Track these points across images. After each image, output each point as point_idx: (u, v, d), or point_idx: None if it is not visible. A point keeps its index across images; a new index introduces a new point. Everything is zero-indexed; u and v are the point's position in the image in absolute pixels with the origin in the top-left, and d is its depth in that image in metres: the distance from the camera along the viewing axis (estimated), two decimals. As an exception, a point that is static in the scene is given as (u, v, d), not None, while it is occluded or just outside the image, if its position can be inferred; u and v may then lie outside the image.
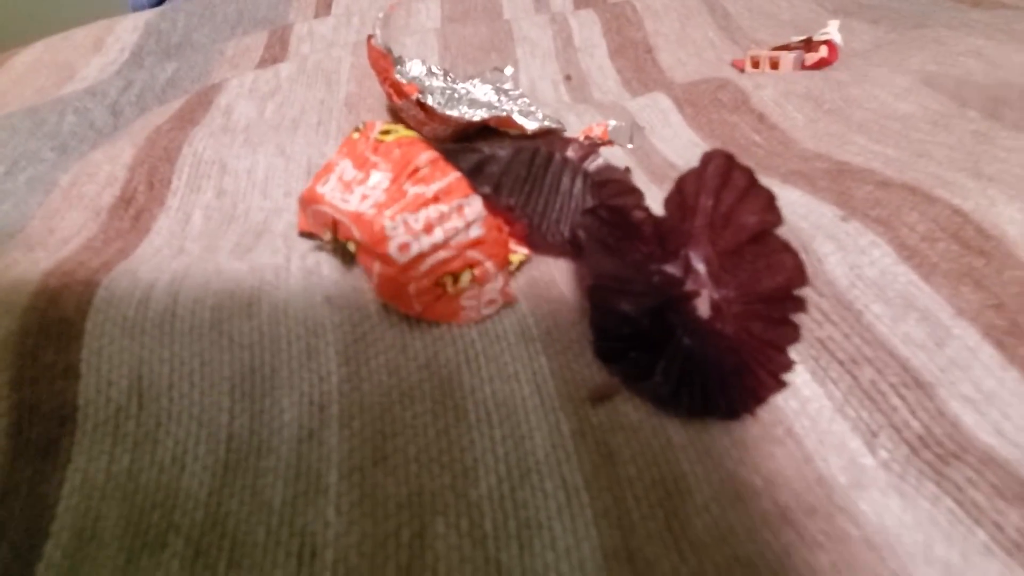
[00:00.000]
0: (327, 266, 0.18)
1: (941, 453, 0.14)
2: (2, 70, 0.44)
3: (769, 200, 0.16)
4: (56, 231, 0.21)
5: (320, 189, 0.16)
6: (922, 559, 0.12)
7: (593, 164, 0.18)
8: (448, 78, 0.32)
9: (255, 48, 0.40)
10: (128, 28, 0.47)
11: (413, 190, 0.15)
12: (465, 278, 0.16)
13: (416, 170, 0.15)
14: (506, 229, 0.17)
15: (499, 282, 0.16)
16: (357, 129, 0.16)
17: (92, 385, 0.16)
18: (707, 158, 0.17)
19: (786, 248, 0.15)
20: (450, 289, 0.16)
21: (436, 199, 0.15)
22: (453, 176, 0.15)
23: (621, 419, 0.15)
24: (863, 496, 0.13)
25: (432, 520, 0.13)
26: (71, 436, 0.15)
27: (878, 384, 0.15)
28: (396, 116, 0.31)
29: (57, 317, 0.17)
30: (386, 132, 0.16)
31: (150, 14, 0.48)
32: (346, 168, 0.15)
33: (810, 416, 0.15)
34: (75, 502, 0.14)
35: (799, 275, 0.15)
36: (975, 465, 0.13)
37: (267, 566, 0.13)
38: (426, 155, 0.15)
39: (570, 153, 0.19)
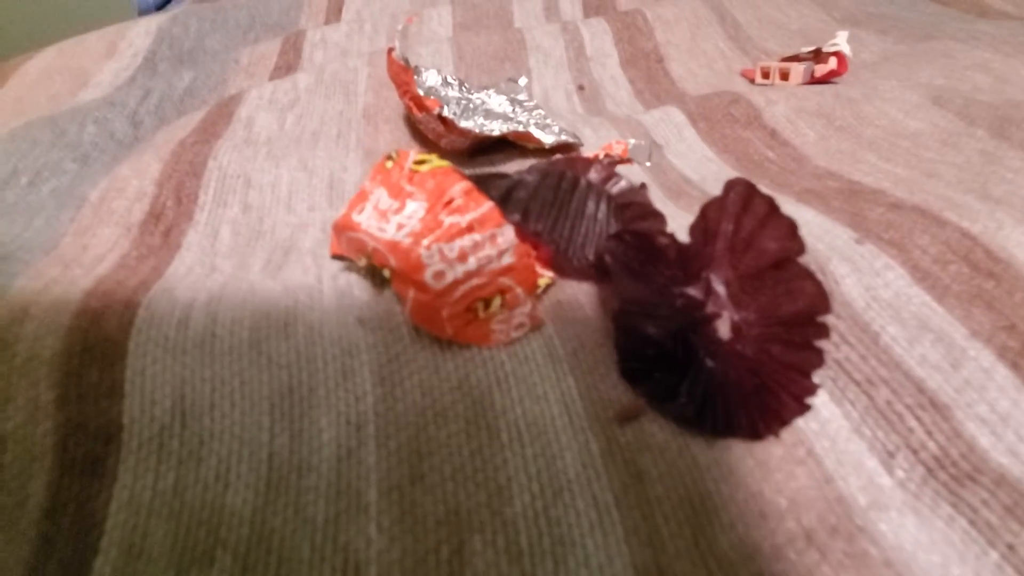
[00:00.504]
0: (358, 287, 0.19)
1: (956, 474, 0.14)
2: (16, 76, 0.45)
3: (791, 228, 0.17)
4: (89, 248, 0.22)
5: (356, 217, 0.16)
6: (939, 578, 0.13)
7: (616, 187, 0.19)
8: (463, 88, 0.33)
9: (269, 56, 0.40)
10: (140, 33, 0.47)
11: (448, 220, 0.15)
12: (496, 303, 0.16)
13: (451, 200, 0.15)
14: (534, 254, 0.17)
15: (528, 306, 0.17)
16: (390, 157, 0.17)
17: (137, 404, 0.16)
18: (729, 186, 0.17)
19: (808, 275, 0.16)
20: (481, 314, 0.16)
21: (471, 229, 0.15)
22: (487, 206, 0.15)
23: (648, 439, 0.15)
24: (882, 516, 0.14)
25: (470, 537, 0.14)
26: (116, 454, 0.16)
27: (894, 405, 0.16)
28: (414, 127, 0.31)
29: (101, 337, 0.17)
30: (420, 162, 0.16)
31: (162, 19, 0.48)
32: (382, 197, 0.16)
33: (829, 436, 0.15)
34: (123, 519, 0.15)
35: (822, 302, 0.16)
36: (989, 486, 0.14)
37: (314, 582, 0.13)
38: (460, 186, 0.15)
39: (593, 175, 0.19)
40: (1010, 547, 0.13)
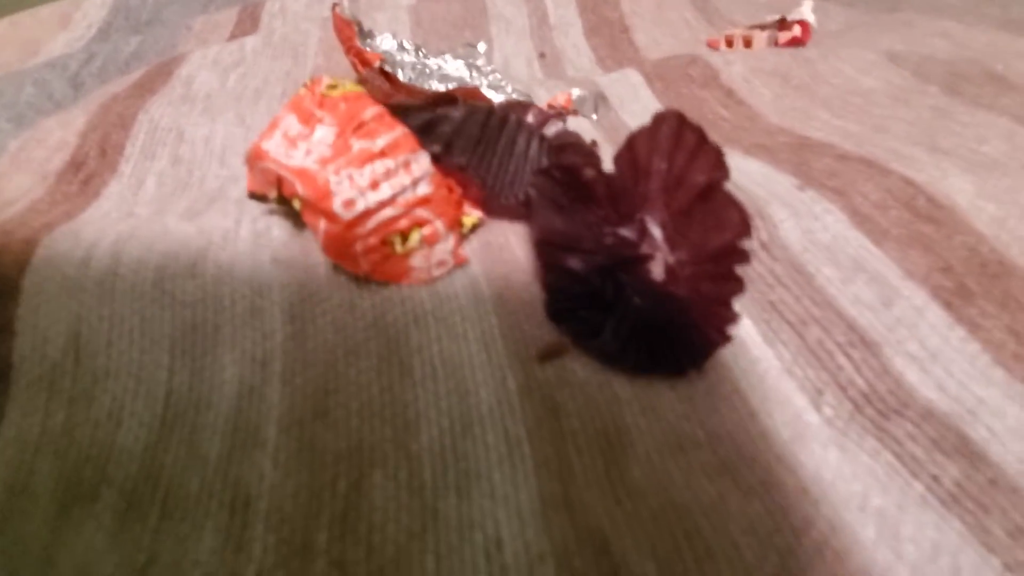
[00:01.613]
0: (278, 228, 0.18)
1: (883, 409, 0.14)
2: (-37, 45, 0.43)
3: (718, 156, 0.16)
4: (1, 193, 0.21)
5: (264, 145, 0.15)
6: (857, 507, 0.12)
7: (551, 129, 0.19)
8: (420, 54, 0.32)
9: (224, 24, 0.39)
10: (96, 4, 0.46)
11: (359, 144, 0.15)
12: (414, 238, 0.16)
13: (362, 124, 0.15)
14: (458, 190, 0.17)
15: (450, 243, 0.16)
16: (305, 85, 0.16)
17: (28, 343, 0.16)
18: (659, 119, 0.17)
19: (732, 203, 0.16)
20: (398, 249, 0.16)
21: (383, 154, 0.15)
22: (400, 131, 0.15)
23: (568, 376, 0.15)
24: (803, 449, 0.13)
25: (370, 471, 0.13)
26: (5, 393, 0.15)
27: (825, 343, 0.15)
28: (364, 88, 0.31)
29: (-6, 275, 0.17)
30: (333, 87, 0.16)
31: (119, -11, 0.47)
32: (291, 123, 0.15)
33: (758, 375, 0.15)
34: (8, 456, 0.14)
35: (744, 228, 0.15)
36: (915, 420, 0.14)
37: (199, 516, 0.13)
38: (372, 109, 0.15)
39: (529, 118, 0.19)
40: (935, 478, 0.13)
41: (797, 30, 0.32)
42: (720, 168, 0.16)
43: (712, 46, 0.35)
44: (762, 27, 0.33)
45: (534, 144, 0.18)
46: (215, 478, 0.13)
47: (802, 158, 0.21)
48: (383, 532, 0.12)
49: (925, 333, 0.15)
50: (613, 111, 0.27)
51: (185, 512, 0.13)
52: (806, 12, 0.33)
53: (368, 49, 0.29)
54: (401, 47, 0.32)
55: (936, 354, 0.15)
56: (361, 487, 0.13)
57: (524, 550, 0.12)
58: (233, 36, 0.39)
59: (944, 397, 0.14)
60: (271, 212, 0.19)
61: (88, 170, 0.22)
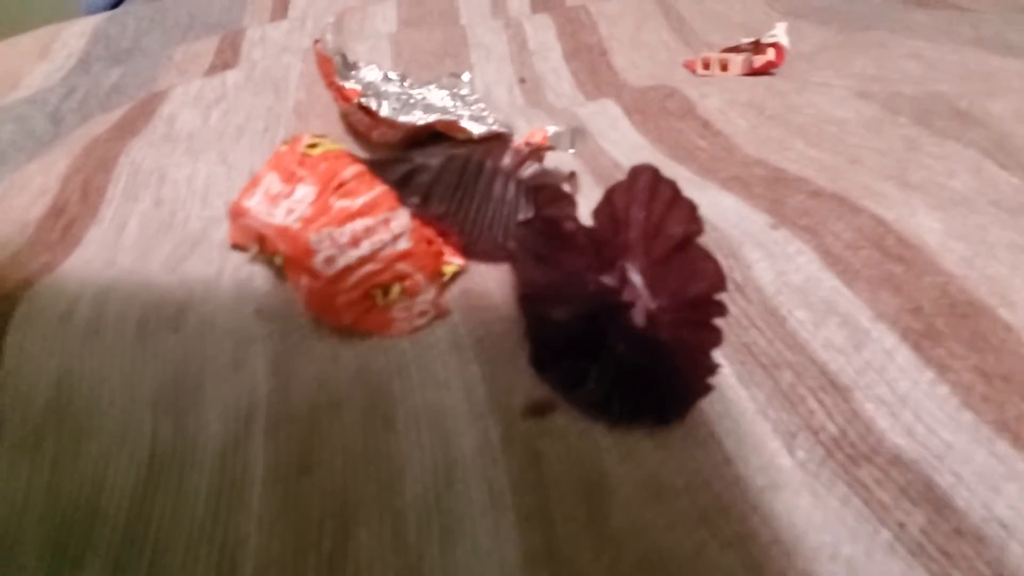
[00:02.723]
0: (260, 278, 0.18)
1: (853, 455, 0.14)
2: (-58, 77, 0.43)
3: (692, 210, 0.17)
4: (-19, 245, 0.21)
5: (247, 203, 0.16)
6: (828, 557, 0.13)
7: (528, 171, 0.19)
8: (404, 84, 0.33)
9: (205, 54, 0.40)
10: (76, 33, 0.46)
11: (339, 204, 0.15)
12: (395, 290, 0.16)
13: (342, 184, 0.15)
14: (438, 241, 0.17)
15: (431, 294, 0.17)
16: (285, 142, 0.16)
17: (9, 403, 0.16)
18: (636, 172, 0.17)
19: (707, 256, 0.16)
20: (380, 301, 0.16)
21: (362, 213, 0.15)
22: (379, 190, 0.15)
23: (549, 424, 0.15)
24: (777, 497, 0.14)
25: (355, 529, 0.14)
26: (-11, 456, 0.15)
27: (797, 388, 0.16)
28: (346, 122, 0.31)
29: (-26, 334, 0.17)
30: (313, 145, 0.16)
31: (99, 19, 0.47)
32: (272, 182, 0.16)
33: (733, 419, 0.16)
34: (-8, 524, 0.14)
35: (720, 281, 0.16)
36: (883, 466, 0.14)
37: (185, 583, 0.13)
38: (352, 169, 0.15)
39: (506, 160, 0.19)
40: (901, 525, 0.13)
41: (771, 53, 0.33)
42: (694, 222, 0.16)
43: (689, 68, 0.36)
44: (737, 50, 0.34)
45: (511, 187, 0.19)
46: (200, 543, 0.14)
47: (777, 193, 0.22)
48: (368, 593, 0.13)
49: (895, 376, 0.16)
50: (592, 140, 0.28)
51: (171, 578, 0.13)
52: (780, 34, 0.34)
53: (352, 81, 0.30)
54: (386, 78, 0.33)
55: (905, 398, 0.15)
56: (347, 547, 0.13)
57: (506, 610, 0.12)
58: (214, 66, 0.39)
59: (912, 442, 0.14)
60: (253, 259, 0.19)
61: (69, 216, 0.23)
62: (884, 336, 0.16)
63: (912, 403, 0.15)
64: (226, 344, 0.17)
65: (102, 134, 0.27)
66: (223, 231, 0.22)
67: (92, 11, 0.67)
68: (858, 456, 0.14)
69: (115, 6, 0.69)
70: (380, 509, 0.14)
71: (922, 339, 0.16)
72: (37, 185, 0.24)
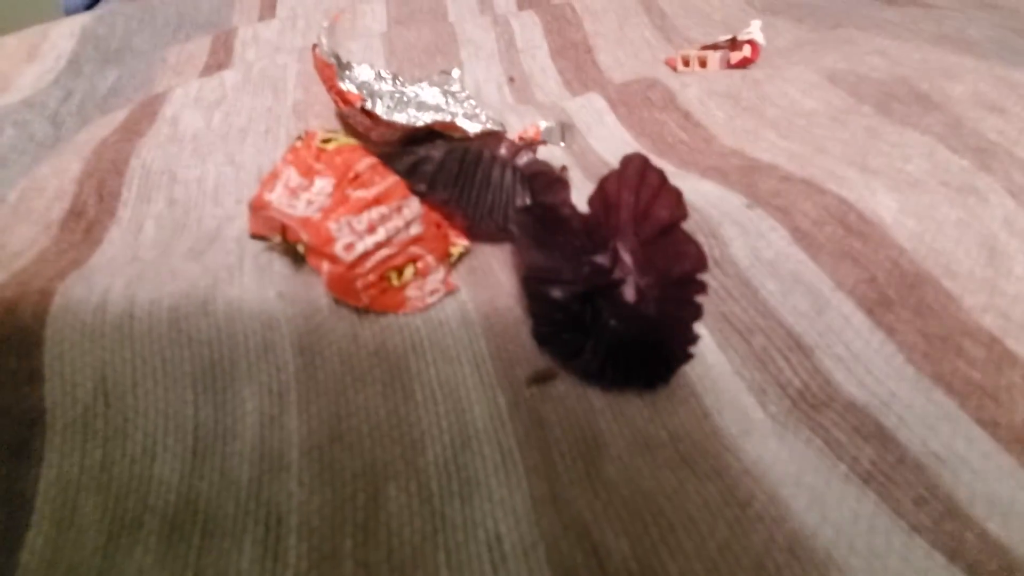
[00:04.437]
0: (279, 263, 0.20)
1: (815, 403, 0.17)
2: (-73, 81, 0.44)
3: (678, 197, 0.19)
4: (7, 246, 0.23)
5: (268, 196, 0.18)
6: (792, 483, 0.15)
7: (523, 160, 0.21)
8: (397, 82, 0.35)
9: (199, 55, 0.41)
10: (64, 34, 0.47)
11: (355, 194, 0.17)
12: (408, 272, 0.18)
13: (357, 176, 0.17)
14: (445, 224, 0.20)
15: (440, 273, 0.19)
16: (300, 138, 0.18)
17: (57, 388, 0.18)
18: (627, 161, 0.20)
19: (691, 240, 0.19)
20: (395, 282, 0.18)
21: (377, 201, 0.17)
22: (392, 180, 0.18)
23: (551, 391, 0.18)
24: (749, 440, 0.16)
25: (385, 485, 0.16)
26: (42, 436, 0.17)
27: (768, 349, 0.18)
28: (344, 121, 0.33)
29: (16, 326, 0.19)
30: (327, 140, 0.18)
31: (86, 18, 0.48)
32: (291, 176, 0.18)
33: (711, 379, 0.18)
34: (52, 495, 0.16)
35: (701, 262, 0.18)
36: (840, 411, 0.17)
37: (237, 533, 0.15)
38: (365, 161, 0.17)
39: (502, 151, 0.22)
40: (854, 459, 0.16)
41: (747, 50, 0.35)
42: (680, 208, 0.19)
43: (670, 65, 0.38)
44: (715, 47, 0.37)
45: (508, 174, 0.21)
46: (248, 500, 0.16)
47: (751, 179, 0.24)
48: (400, 536, 0.15)
49: (850, 338, 0.18)
50: (580, 136, 0.30)
51: (224, 531, 0.15)
52: (755, 31, 0.36)
53: (347, 82, 0.32)
54: (379, 76, 0.35)
55: (859, 355, 0.18)
56: (378, 499, 0.16)
57: (520, 541, 0.14)
58: (208, 67, 0.40)
59: (864, 392, 0.17)
60: (269, 248, 0.21)
61: (89, 217, 0.24)
62: (842, 303, 0.19)
63: (864, 360, 0.18)
64: (254, 326, 0.19)
65: (108, 136, 0.29)
66: (237, 227, 0.24)
67: (71, 10, 0.68)
68: (819, 404, 0.17)
69: (91, 6, 0.69)
70: (406, 468, 0.16)
71: (875, 306, 0.19)
72: (53, 188, 0.25)
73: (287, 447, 0.17)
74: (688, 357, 0.18)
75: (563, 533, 0.14)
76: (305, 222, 0.17)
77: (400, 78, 0.35)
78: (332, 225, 0.17)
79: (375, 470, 0.16)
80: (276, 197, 0.18)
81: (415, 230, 0.18)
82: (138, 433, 0.17)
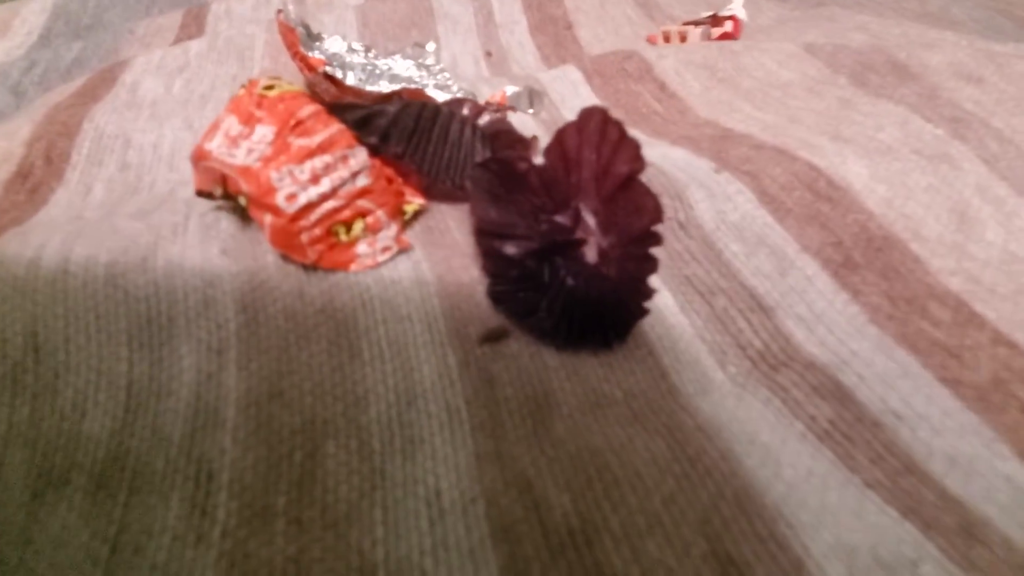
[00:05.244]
0: (226, 221, 0.20)
1: (774, 363, 0.17)
2: None
3: (636, 149, 0.19)
4: (-52, 204, 0.22)
5: (207, 145, 0.17)
6: (747, 441, 0.15)
7: (485, 119, 0.21)
8: (369, 55, 0.34)
9: (169, 27, 0.41)
10: (35, 10, 0.47)
11: (297, 142, 0.17)
12: (358, 227, 0.18)
13: (299, 123, 0.17)
14: (398, 180, 0.19)
15: (393, 230, 0.18)
16: (243, 86, 0.18)
17: (-13, 343, 0.17)
18: (586, 114, 0.19)
19: (647, 192, 0.18)
20: (343, 238, 0.18)
21: (321, 150, 0.17)
22: (336, 128, 0.17)
23: (503, 349, 0.17)
24: (705, 400, 0.16)
25: (323, 442, 0.15)
26: (-31, 393, 0.17)
27: (729, 310, 0.18)
28: (313, 91, 0.32)
29: (-53, 281, 0.18)
30: (269, 87, 0.17)
31: (55, -7, 0.47)
32: (232, 124, 0.17)
33: (672, 339, 0.18)
34: (-25, 452, 0.16)
35: (658, 214, 0.18)
36: (799, 370, 0.16)
37: (165, 489, 0.14)
38: (309, 108, 0.17)
39: (464, 111, 0.21)
40: (812, 418, 0.15)
41: (729, 26, 0.35)
42: (638, 160, 0.18)
43: (651, 41, 0.38)
44: (696, 23, 0.36)
45: (467, 132, 0.20)
46: (179, 456, 0.15)
47: (722, 147, 0.24)
48: (336, 493, 0.14)
49: (813, 298, 0.18)
50: (554, 107, 0.30)
51: (152, 487, 0.15)
52: (737, 8, 0.36)
53: (316, 52, 0.31)
54: (351, 49, 0.34)
55: (821, 315, 0.17)
56: (315, 456, 0.15)
57: (460, 496, 0.14)
58: (178, 40, 0.40)
59: (824, 351, 0.17)
60: (218, 208, 0.21)
61: (35, 179, 0.24)
62: (807, 265, 0.19)
63: (826, 320, 0.17)
64: (195, 283, 0.18)
65: (63, 101, 0.28)
66: (190, 191, 0.24)
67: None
68: (779, 364, 0.16)
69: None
70: (347, 424, 0.16)
71: (840, 268, 0.19)
72: (1, 151, 0.25)
73: (223, 404, 0.16)
74: (644, 312, 0.18)
75: (504, 489, 0.14)
76: (245, 171, 0.17)
77: (373, 51, 0.34)
78: (273, 174, 0.16)
79: (314, 427, 0.16)
80: (216, 146, 0.17)
81: (362, 182, 0.17)
82: (68, 389, 0.17)
